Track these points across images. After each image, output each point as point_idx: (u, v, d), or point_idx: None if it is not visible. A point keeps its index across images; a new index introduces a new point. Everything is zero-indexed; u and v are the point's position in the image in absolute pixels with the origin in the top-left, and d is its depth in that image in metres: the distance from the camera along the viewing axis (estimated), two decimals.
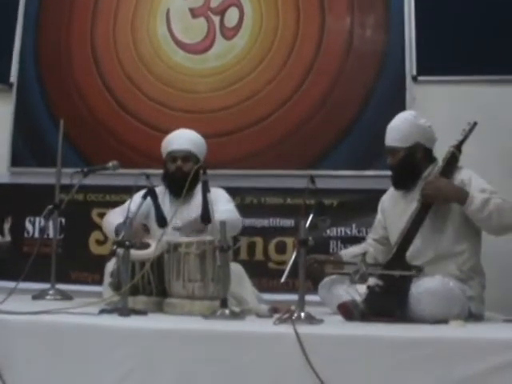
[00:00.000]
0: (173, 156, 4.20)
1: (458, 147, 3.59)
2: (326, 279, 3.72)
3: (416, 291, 3.23)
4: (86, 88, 5.39)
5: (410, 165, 3.67)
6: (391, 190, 3.89)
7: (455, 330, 2.94)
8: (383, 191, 3.99)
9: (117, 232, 3.84)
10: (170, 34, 5.36)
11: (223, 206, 4.02)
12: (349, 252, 3.95)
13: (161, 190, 4.13)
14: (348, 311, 3.21)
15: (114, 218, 4.04)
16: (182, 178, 3.97)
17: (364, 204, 4.71)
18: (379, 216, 3.94)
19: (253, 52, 5.23)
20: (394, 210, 3.78)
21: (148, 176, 3.80)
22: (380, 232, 3.91)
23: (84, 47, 5.44)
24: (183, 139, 4.22)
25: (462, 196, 3.41)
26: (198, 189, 3.93)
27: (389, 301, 3.20)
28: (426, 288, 3.24)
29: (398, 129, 3.69)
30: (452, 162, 3.57)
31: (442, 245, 3.51)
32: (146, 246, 3.63)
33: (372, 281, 3.29)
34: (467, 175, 3.55)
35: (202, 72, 5.29)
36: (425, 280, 3.29)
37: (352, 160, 4.99)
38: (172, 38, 5.36)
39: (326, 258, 3.86)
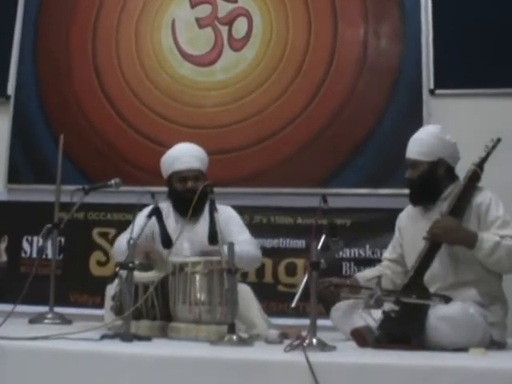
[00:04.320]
0: (182, 176, 4.05)
1: (480, 165, 3.50)
2: (340, 303, 3.63)
3: (434, 317, 3.16)
4: (86, 101, 5.35)
5: (431, 180, 3.56)
6: (408, 208, 3.79)
7: (476, 359, 2.86)
8: (398, 210, 3.90)
9: None
10: (175, 45, 5.32)
11: (240, 236, 3.96)
12: (364, 275, 3.84)
13: (164, 206, 4.00)
14: (362, 338, 3.20)
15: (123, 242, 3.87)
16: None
17: (378, 224, 4.66)
18: (397, 234, 3.85)
19: (262, 64, 5.18)
20: (411, 229, 3.68)
21: (153, 195, 3.74)
22: (398, 251, 3.81)
23: (85, 59, 5.41)
24: (190, 157, 4.08)
25: (470, 240, 3.32)
26: (207, 208, 3.91)
27: (405, 327, 3.15)
28: (444, 314, 3.17)
29: (422, 142, 3.60)
30: (474, 181, 3.48)
31: (463, 270, 3.43)
32: (150, 267, 3.61)
33: (388, 306, 3.23)
34: (487, 199, 3.46)
35: (209, 85, 5.25)
36: (443, 305, 3.24)
37: (366, 178, 4.93)
38: (177, 50, 5.32)
39: (343, 281, 3.76)
